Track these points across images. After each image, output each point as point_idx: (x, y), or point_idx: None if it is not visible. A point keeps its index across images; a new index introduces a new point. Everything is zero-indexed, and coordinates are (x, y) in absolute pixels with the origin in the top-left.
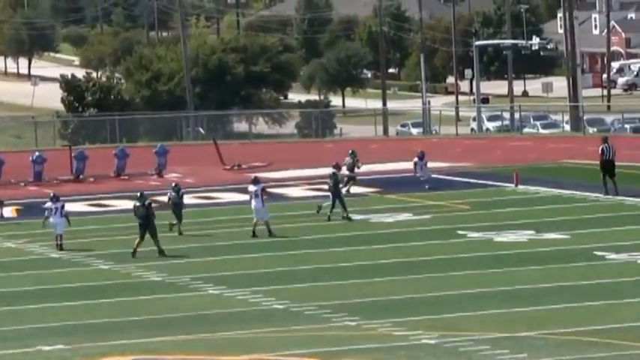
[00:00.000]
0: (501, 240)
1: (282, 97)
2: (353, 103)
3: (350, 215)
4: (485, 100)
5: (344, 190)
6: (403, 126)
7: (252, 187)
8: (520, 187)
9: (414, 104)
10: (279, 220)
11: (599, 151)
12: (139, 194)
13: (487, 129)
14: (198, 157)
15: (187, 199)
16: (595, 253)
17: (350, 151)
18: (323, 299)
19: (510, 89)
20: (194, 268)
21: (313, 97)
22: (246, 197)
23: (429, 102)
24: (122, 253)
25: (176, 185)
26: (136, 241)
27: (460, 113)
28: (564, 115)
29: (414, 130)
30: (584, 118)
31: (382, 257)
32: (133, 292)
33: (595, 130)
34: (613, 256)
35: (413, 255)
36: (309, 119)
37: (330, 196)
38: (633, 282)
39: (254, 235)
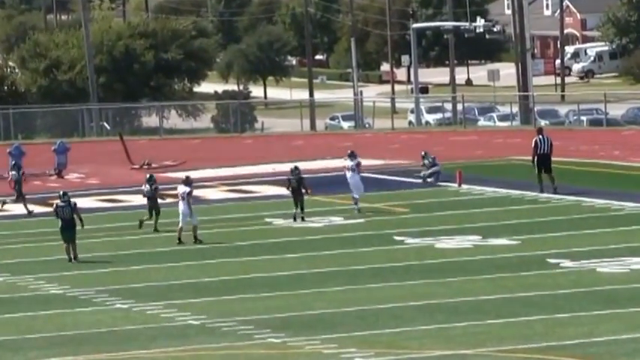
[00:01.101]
0: (443, 246)
1: (196, 87)
2: (276, 93)
3: (304, 216)
4: (424, 90)
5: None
6: (332, 119)
7: (182, 188)
8: (464, 186)
9: (344, 95)
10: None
11: (533, 144)
12: (61, 193)
13: (427, 122)
14: (102, 156)
15: (90, 202)
16: (548, 260)
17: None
18: (244, 314)
19: (452, 77)
20: (100, 280)
21: (231, 87)
22: (158, 200)
23: (361, 92)
24: (20, 264)
25: (151, 177)
26: (64, 247)
27: (396, 105)
28: (513, 107)
29: (345, 124)
30: (535, 109)
31: (311, 266)
32: (30, 307)
33: (547, 122)
34: (568, 263)
35: (344, 264)
36: (227, 112)
37: (292, 195)
38: (591, 292)
39: (180, 241)
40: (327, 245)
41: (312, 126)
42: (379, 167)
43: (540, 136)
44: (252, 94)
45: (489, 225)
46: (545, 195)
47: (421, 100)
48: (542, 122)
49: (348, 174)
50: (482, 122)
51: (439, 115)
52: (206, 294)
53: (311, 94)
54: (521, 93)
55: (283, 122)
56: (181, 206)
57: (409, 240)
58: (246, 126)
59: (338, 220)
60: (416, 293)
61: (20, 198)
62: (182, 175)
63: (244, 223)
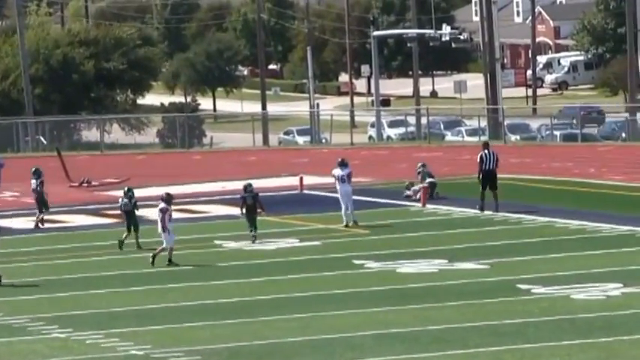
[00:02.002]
0: (406, 271)
1: (140, 99)
2: (226, 106)
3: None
4: (385, 103)
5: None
6: (287, 134)
7: (163, 205)
8: (429, 206)
9: (299, 107)
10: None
11: (478, 159)
12: None
13: (388, 137)
14: None
15: (25, 223)
16: (518, 286)
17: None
18: (191, 343)
19: (416, 89)
20: (35, 306)
21: (178, 99)
22: (100, 220)
23: (317, 105)
24: None
25: (129, 190)
26: None
27: (356, 118)
28: (481, 121)
29: (301, 139)
30: (505, 123)
31: (263, 292)
32: None
33: (518, 137)
34: (540, 289)
35: (298, 290)
36: (174, 126)
37: (246, 215)
38: (564, 320)
39: (170, 262)
40: (280, 269)
41: (265, 141)
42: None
43: (486, 151)
44: (200, 107)
45: (456, 248)
46: (487, 213)
47: (382, 113)
48: (513, 137)
49: (338, 185)
50: (449, 137)
51: (402, 130)
52: (150, 322)
53: (264, 107)
54: (490, 106)
55: (234, 137)
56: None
57: (369, 264)
58: (194, 141)
59: (293, 242)
60: (375, 321)
61: None
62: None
63: (192, 246)
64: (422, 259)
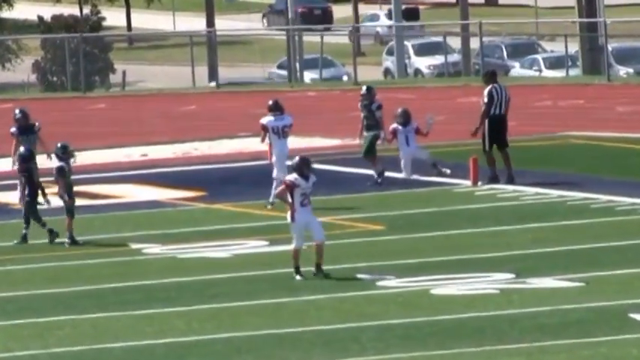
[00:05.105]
0: (445, 293)
1: (4, 12)
2: (147, 22)
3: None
4: (412, 14)
5: None
6: (283, 67)
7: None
8: (482, 185)
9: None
10: None
11: (486, 96)
12: None
13: (417, 71)
14: None
15: None
16: (632, 316)
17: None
18: None
19: None
20: None
21: (69, 9)
22: None
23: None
24: None
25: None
26: None
27: (362, 41)
28: (570, 44)
29: (307, 75)
30: (610, 48)
31: (215, 329)
32: None
33: (631, 71)
34: None
35: (270, 325)
36: (61, 55)
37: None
38: None
39: None
40: (241, 292)
41: (213, 78)
42: (332, 152)
43: (496, 85)
44: (105, 23)
45: (528, 254)
46: (500, 186)
47: (407, 32)
48: (622, 71)
49: (273, 142)
50: (516, 71)
51: (438, 60)
52: None
53: (210, 23)
54: (586, 19)
55: (161, 72)
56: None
57: (385, 282)
58: (94, 79)
59: (258, 244)
60: None
61: None
62: None
63: (93, 252)
64: (472, 272)
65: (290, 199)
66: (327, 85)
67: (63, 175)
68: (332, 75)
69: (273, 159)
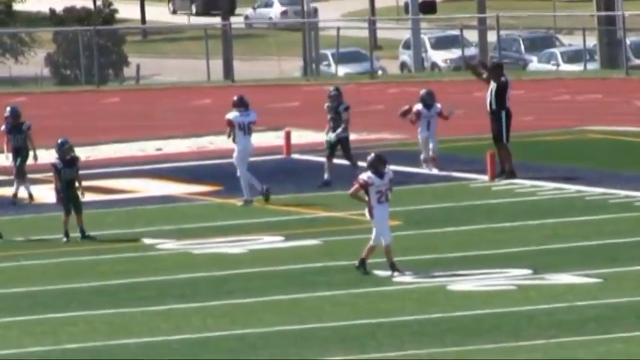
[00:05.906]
0: (462, 289)
1: (17, 5)
2: (161, 15)
3: None
4: (428, 6)
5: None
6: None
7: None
8: (499, 180)
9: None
10: None
11: (508, 91)
12: None
13: (433, 65)
14: None
15: None
16: None
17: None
18: None
19: None
20: None
21: (82, 2)
22: None
23: (315, 10)
24: None
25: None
26: None
27: (379, 33)
28: (588, 37)
29: (342, 69)
30: (628, 42)
31: (230, 325)
32: None
33: None
34: None
35: (288, 322)
36: (74, 48)
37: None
38: None
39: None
40: (256, 288)
41: (228, 73)
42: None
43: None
44: (118, 15)
45: (546, 249)
46: (517, 181)
47: (424, 24)
48: None
49: (238, 137)
50: (534, 65)
51: (455, 53)
52: None
53: (225, 16)
54: (604, 12)
55: (176, 66)
56: None
57: (403, 277)
58: (108, 72)
59: (273, 240)
60: None
61: None
62: None
63: (107, 248)
64: (488, 268)
65: (366, 197)
66: (345, 79)
67: (57, 172)
68: (365, 69)
69: (234, 155)
